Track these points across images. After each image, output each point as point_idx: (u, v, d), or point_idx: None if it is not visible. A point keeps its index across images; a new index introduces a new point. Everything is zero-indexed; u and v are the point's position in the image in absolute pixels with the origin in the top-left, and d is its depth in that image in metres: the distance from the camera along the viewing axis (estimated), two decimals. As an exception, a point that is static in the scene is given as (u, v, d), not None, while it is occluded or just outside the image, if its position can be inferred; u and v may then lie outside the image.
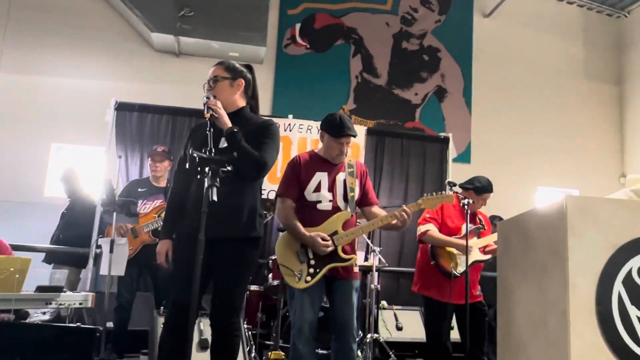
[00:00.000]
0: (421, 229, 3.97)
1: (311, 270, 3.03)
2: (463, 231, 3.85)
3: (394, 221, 3.11)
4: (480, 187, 4.02)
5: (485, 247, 3.99)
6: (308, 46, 8.41)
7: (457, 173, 6.30)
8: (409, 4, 8.87)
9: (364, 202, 3.33)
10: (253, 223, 2.72)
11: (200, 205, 2.34)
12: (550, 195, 8.64)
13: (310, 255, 3.05)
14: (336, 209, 3.15)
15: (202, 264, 2.48)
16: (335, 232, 3.09)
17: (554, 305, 2.08)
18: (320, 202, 3.14)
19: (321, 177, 3.18)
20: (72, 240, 5.29)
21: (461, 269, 3.80)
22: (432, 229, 3.93)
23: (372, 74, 8.57)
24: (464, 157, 8.37)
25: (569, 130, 9.06)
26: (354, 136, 3.23)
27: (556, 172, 8.78)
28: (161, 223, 3.48)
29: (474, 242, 3.94)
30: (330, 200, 3.15)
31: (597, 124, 9.28)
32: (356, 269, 3.18)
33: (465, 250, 3.66)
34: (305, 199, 3.16)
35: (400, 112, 8.52)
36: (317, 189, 3.16)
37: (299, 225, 3.08)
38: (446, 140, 6.53)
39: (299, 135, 5.84)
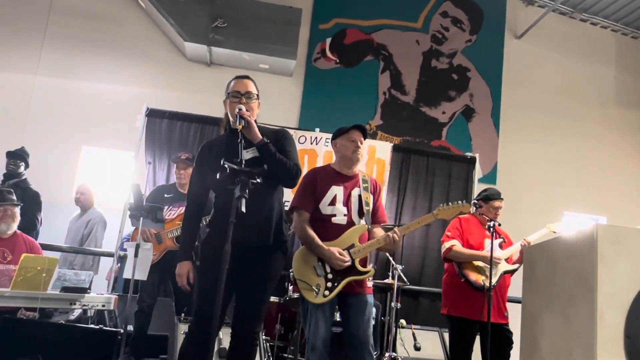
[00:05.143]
0: (446, 245, 3.97)
1: (329, 284, 3.02)
2: (486, 246, 3.89)
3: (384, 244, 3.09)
4: (486, 195, 4.13)
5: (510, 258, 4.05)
6: (337, 61, 8.46)
7: (482, 194, 6.23)
8: (440, 22, 8.87)
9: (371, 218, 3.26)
10: (281, 228, 2.79)
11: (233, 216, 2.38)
12: (577, 221, 8.48)
13: (328, 269, 3.04)
14: (350, 224, 3.14)
15: (230, 274, 2.50)
16: (352, 246, 3.08)
17: (580, 336, 2.05)
18: (334, 215, 3.14)
19: (337, 191, 3.18)
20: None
21: (493, 280, 3.80)
22: (457, 244, 3.95)
23: (400, 90, 8.57)
24: (490, 178, 8.27)
25: (598, 155, 8.90)
26: (364, 131, 3.26)
27: (583, 198, 8.62)
28: None
29: (499, 254, 3.97)
30: (345, 215, 3.14)
31: (626, 151, 9.10)
32: (370, 284, 3.17)
33: (490, 263, 3.72)
34: (320, 212, 3.16)
35: (427, 130, 8.49)
36: (332, 202, 3.16)
37: (317, 238, 3.08)
38: (473, 161, 6.47)
39: (325, 149, 5.86)
